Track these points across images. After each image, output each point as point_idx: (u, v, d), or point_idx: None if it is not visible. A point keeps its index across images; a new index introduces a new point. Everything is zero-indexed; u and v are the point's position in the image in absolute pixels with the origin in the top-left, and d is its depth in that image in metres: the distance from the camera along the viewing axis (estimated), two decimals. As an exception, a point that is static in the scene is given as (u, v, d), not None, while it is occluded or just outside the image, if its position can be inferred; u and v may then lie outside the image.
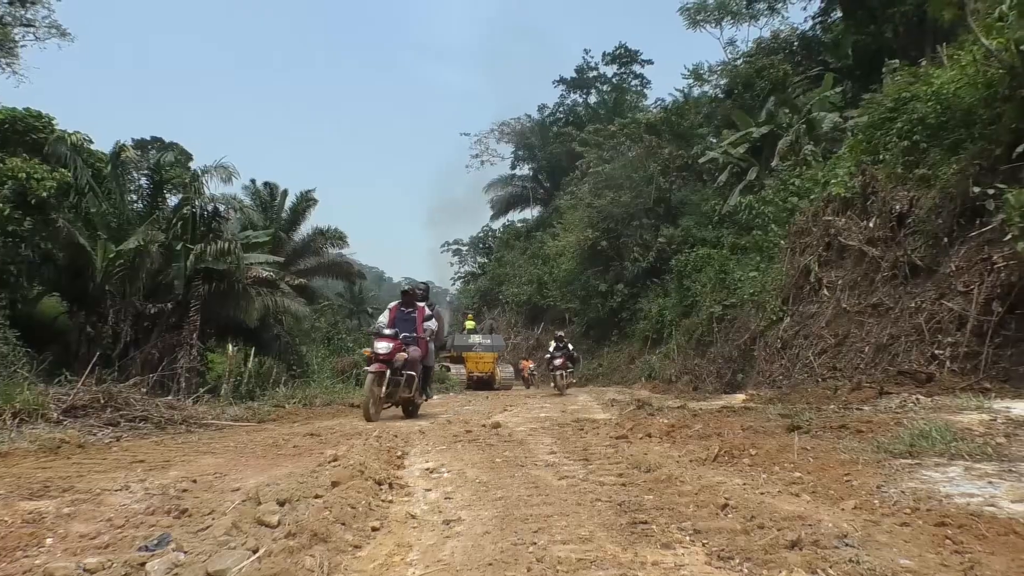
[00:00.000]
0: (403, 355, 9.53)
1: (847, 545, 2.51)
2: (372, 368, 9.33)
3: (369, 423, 8.57)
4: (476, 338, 26.32)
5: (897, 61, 14.55)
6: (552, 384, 21.20)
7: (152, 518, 3.07)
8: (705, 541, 2.65)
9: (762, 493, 3.50)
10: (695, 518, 2.98)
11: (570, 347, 18.38)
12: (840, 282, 11.52)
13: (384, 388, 9.29)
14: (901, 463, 4.04)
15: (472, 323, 30.61)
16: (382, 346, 9.43)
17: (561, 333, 19.59)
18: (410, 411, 10.28)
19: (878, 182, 11.24)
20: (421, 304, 10.47)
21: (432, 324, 10.29)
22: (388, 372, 9.31)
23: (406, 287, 11.05)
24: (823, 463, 4.20)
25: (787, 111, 22.41)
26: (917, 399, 7.03)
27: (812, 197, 14.35)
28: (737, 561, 2.41)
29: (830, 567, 2.28)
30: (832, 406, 7.42)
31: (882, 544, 2.55)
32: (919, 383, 8.01)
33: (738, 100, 26.26)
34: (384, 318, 10.28)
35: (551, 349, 18.39)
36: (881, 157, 11.59)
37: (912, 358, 8.84)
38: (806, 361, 11.21)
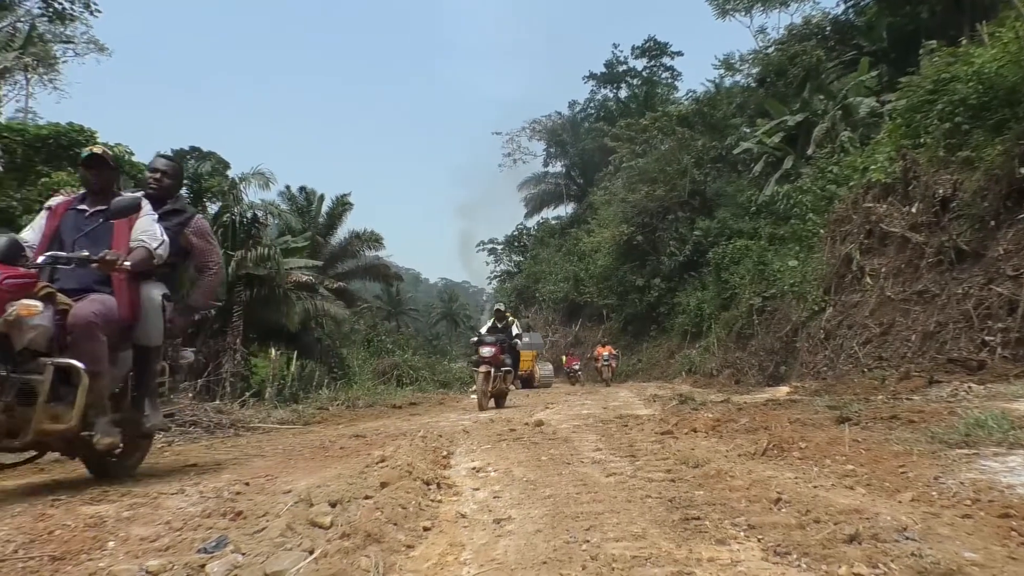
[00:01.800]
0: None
1: (908, 538, 2.44)
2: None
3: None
4: None
5: (935, 42, 14.20)
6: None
7: (208, 520, 3.11)
8: (760, 536, 2.61)
9: (815, 487, 3.43)
10: (748, 513, 2.93)
11: (516, 329, 13.42)
12: (883, 270, 11.28)
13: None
14: (958, 453, 3.94)
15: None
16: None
17: (500, 306, 14.64)
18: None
19: (919, 166, 10.98)
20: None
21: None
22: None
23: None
24: (876, 455, 4.11)
25: (822, 98, 22.03)
26: (969, 387, 6.85)
27: (851, 184, 14.09)
28: (795, 556, 2.37)
29: (891, 561, 2.23)
30: (880, 396, 7.27)
31: (944, 537, 2.49)
32: (970, 371, 7.82)
33: (771, 88, 25.90)
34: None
35: (482, 332, 13.14)
36: (922, 141, 11.33)
37: (961, 345, 8.63)
38: (851, 351, 11.01)
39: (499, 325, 13.21)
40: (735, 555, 2.40)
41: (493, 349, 12.00)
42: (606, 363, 23.35)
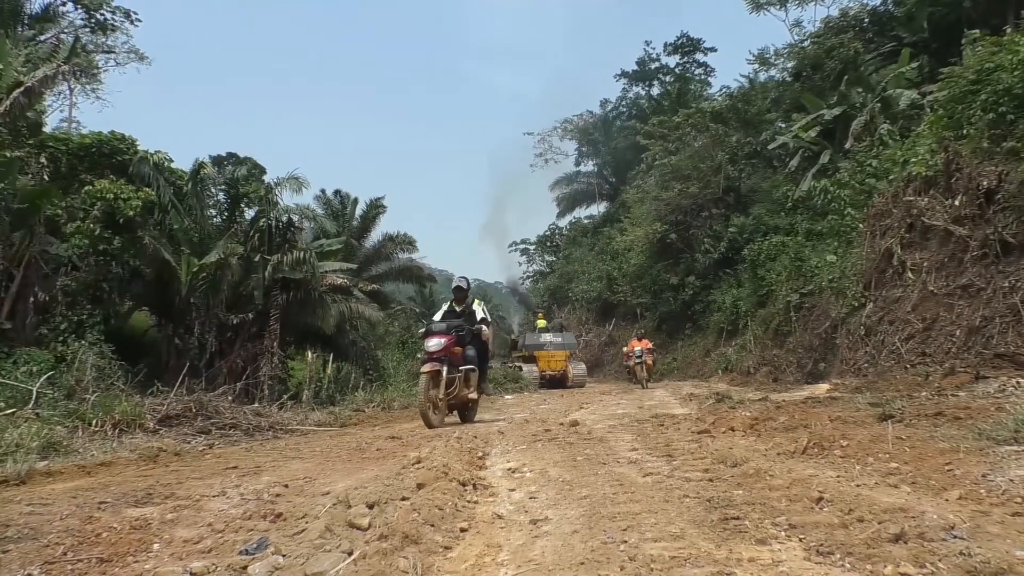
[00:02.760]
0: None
1: (955, 537, 2.39)
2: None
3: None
4: (547, 337, 26.25)
5: (977, 31, 13.86)
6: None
7: (249, 522, 3.16)
8: (802, 536, 2.57)
9: (858, 485, 3.37)
10: (789, 512, 2.89)
11: (481, 312, 9.97)
12: (925, 264, 11.04)
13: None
14: (1007, 450, 3.84)
15: (543, 322, 30.56)
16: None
17: (462, 282, 10.36)
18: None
19: (962, 158, 10.72)
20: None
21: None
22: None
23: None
24: (920, 452, 4.03)
25: (860, 90, 21.61)
26: (1018, 383, 6.68)
27: (891, 178, 13.81)
28: (838, 556, 2.33)
29: (939, 560, 2.18)
30: (924, 393, 7.12)
31: (993, 535, 2.43)
32: (1018, 366, 7.63)
33: (807, 82, 25.48)
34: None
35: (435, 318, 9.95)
36: (964, 132, 11.06)
37: (1009, 340, 8.41)
38: (893, 347, 10.79)
39: (457, 308, 9.92)
40: (776, 555, 2.37)
41: (442, 341, 8.89)
42: (639, 360, 19.51)
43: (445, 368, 8.77)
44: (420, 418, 8.60)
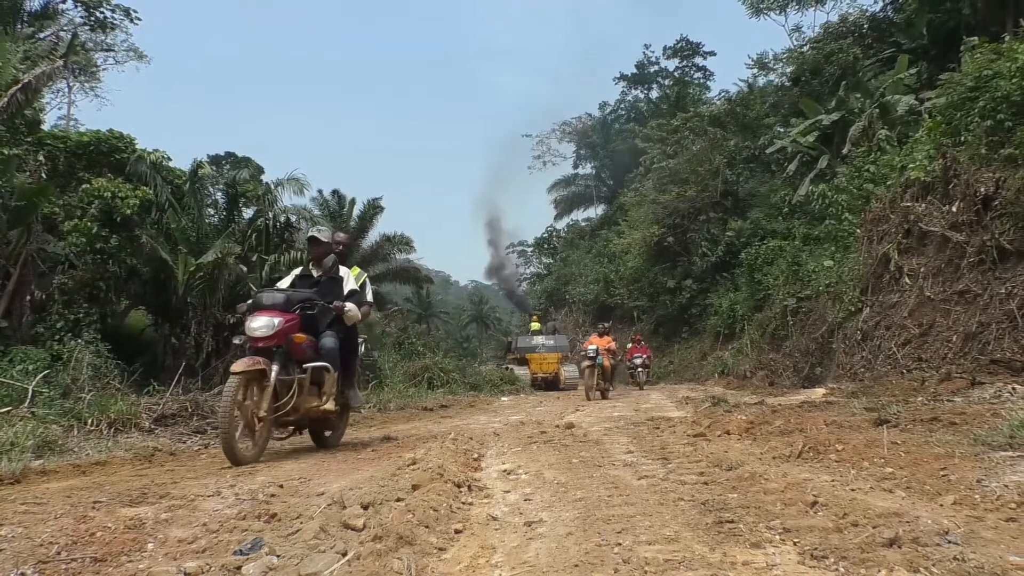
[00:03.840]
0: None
1: (950, 542, 2.39)
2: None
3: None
4: (539, 339, 26.37)
5: (976, 38, 13.88)
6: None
7: (244, 523, 3.16)
8: (796, 540, 2.57)
9: (853, 490, 3.38)
10: (783, 516, 2.89)
11: (351, 282, 6.61)
12: (922, 270, 11.06)
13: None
14: (1002, 456, 3.85)
15: (537, 325, 30.60)
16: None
17: (318, 232, 6.66)
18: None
19: (960, 164, 10.75)
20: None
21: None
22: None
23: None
24: (916, 457, 4.03)
25: (858, 96, 21.68)
26: (1013, 388, 6.69)
27: (889, 183, 13.84)
28: (832, 560, 2.33)
29: (933, 565, 2.18)
30: (920, 398, 7.12)
31: (988, 541, 2.43)
32: (1014, 372, 7.64)
33: (806, 87, 25.55)
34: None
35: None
36: (962, 138, 11.10)
37: (1005, 346, 8.43)
38: (889, 352, 10.81)
39: (314, 273, 6.53)
40: (770, 559, 2.37)
41: (275, 321, 5.63)
42: (591, 362, 15.41)
43: (276, 367, 5.54)
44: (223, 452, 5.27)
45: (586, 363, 15.49)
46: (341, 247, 6.86)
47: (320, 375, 6.06)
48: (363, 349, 7.33)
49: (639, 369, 20.26)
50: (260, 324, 5.65)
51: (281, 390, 5.68)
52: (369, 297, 6.81)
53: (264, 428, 5.68)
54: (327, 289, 6.39)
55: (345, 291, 6.47)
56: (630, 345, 21.39)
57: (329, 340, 6.12)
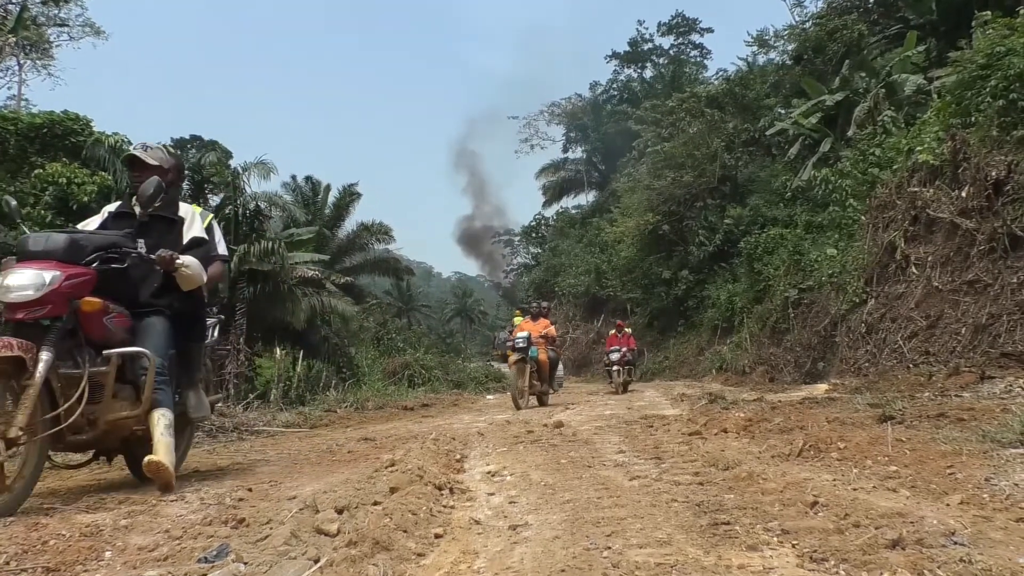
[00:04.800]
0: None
1: (956, 543, 2.41)
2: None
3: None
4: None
5: (988, 13, 13.96)
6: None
7: (209, 528, 3.14)
8: (795, 542, 2.59)
9: (855, 489, 3.40)
10: (782, 517, 2.91)
11: (195, 228, 4.76)
12: (930, 259, 11.15)
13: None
14: (1012, 453, 3.89)
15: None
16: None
17: (144, 153, 4.69)
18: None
19: (970, 147, 10.83)
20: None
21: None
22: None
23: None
24: (921, 455, 4.07)
25: (863, 75, 21.76)
26: (1024, 383, 6.77)
27: (895, 167, 13.92)
28: (832, 563, 2.35)
29: (938, 568, 2.20)
30: (927, 393, 7.20)
31: (996, 542, 2.45)
32: (1025, 366, 7.72)
33: (808, 66, 25.64)
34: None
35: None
36: (973, 119, 11.17)
37: (1016, 339, 8.52)
38: (895, 346, 10.90)
39: (137, 209, 4.59)
40: (768, 562, 2.39)
41: (46, 278, 3.73)
42: (520, 352, 12.23)
43: (47, 353, 3.69)
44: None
45: (514, 358, 12.18)
46: (171, 175, 4.81)
47: (135, 368, 4.23)
48: (215, 334, 5.31)
49: (615, 367, 16.75)
50: (20, 282, 3.73)
51: (64, 390, 3.79)
52: (221, 249, 4.90)
53: (34, 449, 3.68)
54: (155, 233, 4.52)
55: (185, 239, 4.65)
56: (612, 332, 18.74)
57: (154, 315, 4.44)
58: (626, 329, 18.72)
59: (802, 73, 25.53)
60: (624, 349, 17.13)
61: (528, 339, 12.28)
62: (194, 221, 4.75)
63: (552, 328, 13.51)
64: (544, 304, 15.20)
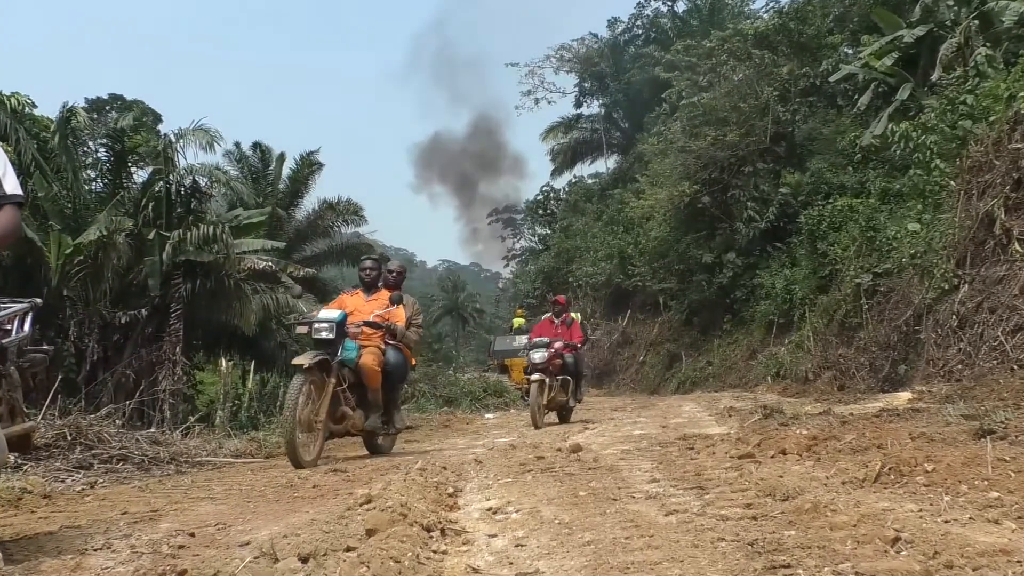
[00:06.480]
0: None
1: (1072, 587, 2.43)
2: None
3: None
4: (522, 340, 26.04)
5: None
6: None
7: (142, 583, 3.16)
8: (872, 588, 2.60)
9: (946, 521, 3.41)
10: (856, 558, 2.92)
11: None
12: (1037, 233, 11.15)
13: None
14: None
15: (521, 320, 30.38)
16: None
17: None
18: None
19: (1086, 92, 10.82)
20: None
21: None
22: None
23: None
24: (1029, 479, 4.08)
25: (951, 3, 21.71)
26: None
27: (992, 119, 13.89)
28: (919, 614, 2.36)
29: (1050, 618, 2.21)
30: (1036, 402, 7.20)
31: (1122, 585, 2.47)
32: None
33: (881, -6, 25.58)
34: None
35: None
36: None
37: None
38: (995, 343, 10.90)
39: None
40: (838, 614, 2.40)
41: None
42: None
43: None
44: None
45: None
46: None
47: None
48: (23, 327, 4.69)
49: (537, 376, 12.19)
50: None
51: None
52: (9, 187, 3.69)
53: None
54: None
55: None
56: (544, 315, 15.07)
57: None
58: (573, 315, 14.12)
59: (874, 3, 25.45)
60: (560, 343, 12.80)
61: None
62: None
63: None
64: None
